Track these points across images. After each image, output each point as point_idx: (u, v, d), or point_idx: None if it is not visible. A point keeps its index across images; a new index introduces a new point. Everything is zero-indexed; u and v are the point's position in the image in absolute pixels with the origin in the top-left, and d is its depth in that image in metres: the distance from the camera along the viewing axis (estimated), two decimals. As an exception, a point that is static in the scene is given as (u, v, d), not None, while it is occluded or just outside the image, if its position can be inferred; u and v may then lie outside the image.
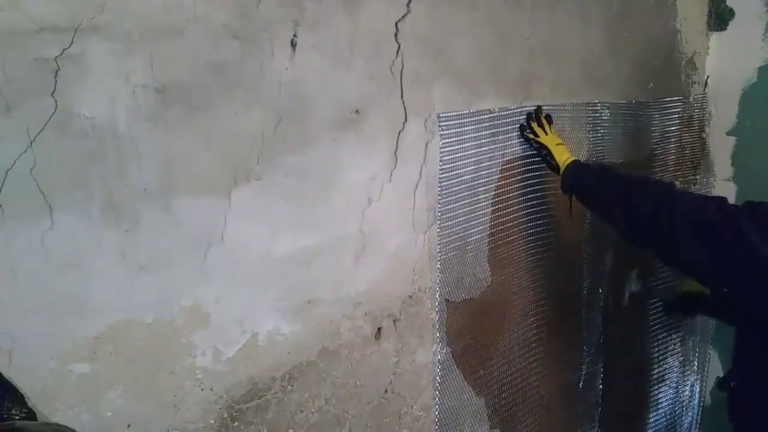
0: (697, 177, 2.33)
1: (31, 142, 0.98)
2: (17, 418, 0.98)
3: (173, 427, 1.19)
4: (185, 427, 1.21)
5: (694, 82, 2.28)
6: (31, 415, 1.01)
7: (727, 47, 2.28)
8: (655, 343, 2.27)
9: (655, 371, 2.29)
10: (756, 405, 1.45)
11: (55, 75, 0.99)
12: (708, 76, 2.31)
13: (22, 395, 1.02)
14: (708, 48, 2.30)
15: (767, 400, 1.39)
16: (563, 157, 1.64)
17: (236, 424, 1.28)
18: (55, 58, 0.99)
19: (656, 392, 2.31)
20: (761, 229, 1.18)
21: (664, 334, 2.30)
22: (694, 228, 1.26)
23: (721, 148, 2.33)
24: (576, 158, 1.64)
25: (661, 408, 2.35)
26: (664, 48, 2.14)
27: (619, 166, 1.96)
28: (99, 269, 1.08)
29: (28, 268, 1.01)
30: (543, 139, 1.66)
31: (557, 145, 1.66)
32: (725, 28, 2.27)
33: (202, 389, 1.22)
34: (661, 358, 2.29)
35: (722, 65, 2.30)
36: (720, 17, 2.27)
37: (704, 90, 2.31)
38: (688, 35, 2.22)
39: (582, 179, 1.59)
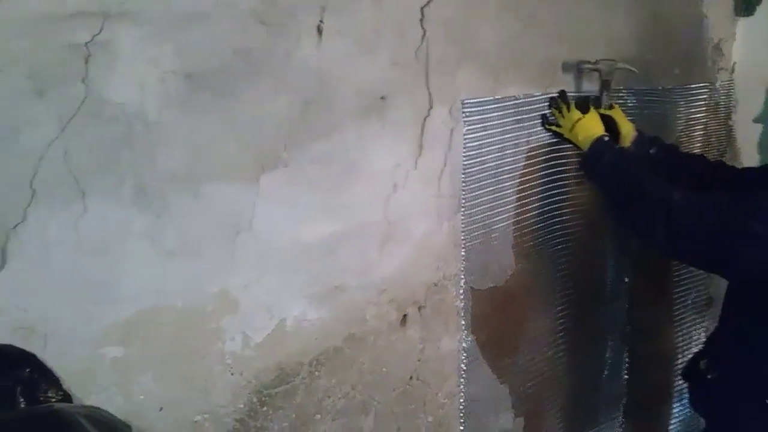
0: (724, 165, 2.29)
1: (64, 128, 0.99)
2: (53, 400, 1.00)
3: (204, 411, 1.21)
4: (216, 411, 1.22)
5: (721, 68, 2.23)
6: (67, 397, 1.03)
7: (755, 33, 2.24)
8: (680, 333, 2.25)
9: (680, 361, 2.27)
10: (742, 401, 1.41)
11: (86, 61, 1.00)
12: (735, 62, 2.27)
13: (57, 378, 1.03)
14: (735, 33, 2.26)
15: (756, 397, 1.37)
16: (578, 137, 1.57)
17: (265, 408, 1.29)
18: (86, 44, 1.00)
19: (681, 382, 2.28)
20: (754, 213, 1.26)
21: (689, 324, 2.28)
22: (693, 238, 1.33)
23: (747, 135, 2.29)
24: (598, 137, 1.54)
25: (685, 398, 2.32)
26: (690, 33, 2.11)
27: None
28: (130, 254, 1.09)
29: (61, 253, 1.03)
30: (563, 126, 1.63)
31: (571, 130, 1.59)
32: (753, 14, 2.23)
33: (231, 374, 1.23)
34: (686, 348, 2.27)
35: (749, 51, 2.25)
36: (747, 2, 2.23)
37: (731, 76, 2.27)
38: (714, 20, 2.17)
39: (597, 170, 1.54)
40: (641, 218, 1.42)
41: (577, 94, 1.73)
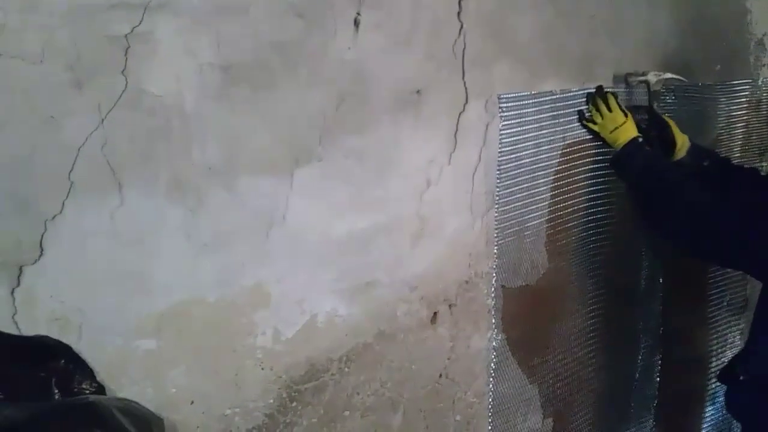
0: (764, 164, 2.23)
1: (102, 120, 0.99)
2: (87, 392, 1.01)
3: (234, 405, 1.20)
4: (245, 406, 1.22)
5: (763, 65, 2.17)
6: (100, 389, 1.03)
7: (799, 28, 2.17)
8: (715, 335, 2.20)
9: (714, 364, 2.22)
10: None
11: (126, 53, 1.00)
12: (778, 59, 2.20)
13: (91, 370, 1.04)
14: (779, 29, 2.20)
15: None
16: (618, 141, 1.57)
17: (294, 404, 1.28)
18: (126, 35, 0.99)
19: (714, 386, 2.23)
20: None
21: (724, 326, 2.22)
22: (716, 239, 1.41)
23: (789, 133, 2.22)
24: (633, 138, 1.55)
25: (717, 402, 2.28)
26: (732, 28, 2.05)
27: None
28: (164, 247, 1.09)
29: (97, 245, 1.03)
30: (598, 125, 1.60)
31: (612, 132, 1.57)
32: (797, 8, 2.16)
33: (262, 369, 1.23)
34: (720, 351, 2.22)
35: (793, 47, 2.19)
36: (792, -4, 2.16)
37: (773, 73, 2.20)
38: (758, 15, 2.11)
39: (628, 170, 1.57)
40: (669, 218, 1.49)
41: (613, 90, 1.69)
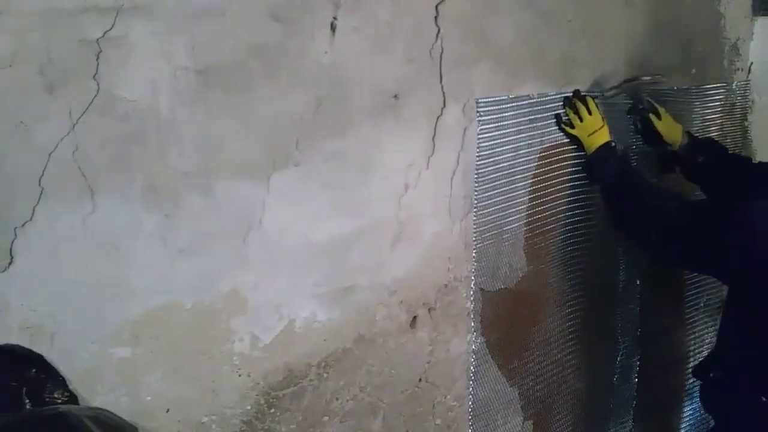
0: (738, 167, 2.26)
1: (74, 125, 0.98)
2: (59, 401, 0.98)
3: (211, 413, 1.19)
4: (222, 413, 1.20)
5: (738, 69, 2.20)
6: (73, 398, 1.01)
7: (772, 32, 2.21)
8: (692, 336, 2.23)
9: (691, 364, 2.24)
10: (740, 399, 1.47)
11: (98, 57, 0.99)
12: (752, 63, 2.23)
13: (63, 378, 1.01)
14: (752, 33, 2.23)
15: (753, 395, 1.43)
16: (593, 145, 1.60)
17: (272, 410, 1.27)
18: (98, 39, 0.98)
19: (692, 385, 2.26)
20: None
21: (701, 327, 2.25)
22: (681, 245, 1.46)
23: (763, 136, 2.25)
24: (606, 142, 1.59)
25: (696, 401, 2.30)
26: (707, 33, 2.08)
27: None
28: (139, 253, 1.08)
29: (69, 251, 1.01)
30: (577, 128, 1.62)
31: (590, 135, 1.60)
32: (771, 13, 2.19)
33: (239, 375, 1.22)
34: (697, 351, 2.24)
35: (766, 51, 2.22)
36: (765, 1, 2.19)
37: (747, 77, 2.23)
38: (732, 20, 2.14)
39: (600, 174, 1.61)
40: (637, 223, 1.55)
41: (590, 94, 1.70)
